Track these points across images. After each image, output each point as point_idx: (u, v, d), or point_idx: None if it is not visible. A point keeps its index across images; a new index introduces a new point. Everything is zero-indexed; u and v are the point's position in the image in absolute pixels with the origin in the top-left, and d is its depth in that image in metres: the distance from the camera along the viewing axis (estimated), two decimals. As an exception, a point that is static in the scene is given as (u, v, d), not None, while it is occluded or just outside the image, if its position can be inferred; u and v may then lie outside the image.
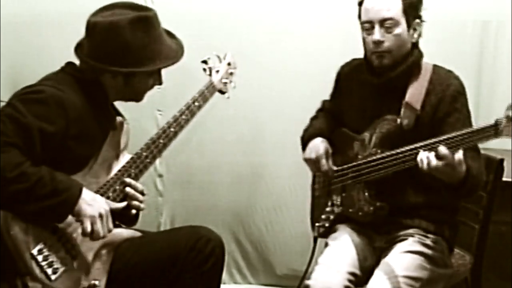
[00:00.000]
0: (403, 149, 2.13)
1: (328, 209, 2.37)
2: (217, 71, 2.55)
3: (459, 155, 1.96)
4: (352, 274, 2.15)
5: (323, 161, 2.32)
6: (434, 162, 1.97)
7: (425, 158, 1.99)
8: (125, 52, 2.03)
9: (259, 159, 3.29)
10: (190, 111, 2.30)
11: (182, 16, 3.12)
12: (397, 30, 2.18)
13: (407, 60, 2.22)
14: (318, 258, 2.25)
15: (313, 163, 2.35)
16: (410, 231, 2.23)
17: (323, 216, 2.38)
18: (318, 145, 2.36)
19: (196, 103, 2.33)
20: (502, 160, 2.41)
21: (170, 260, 2.10)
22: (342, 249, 2.23)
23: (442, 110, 2.20)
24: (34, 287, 1.83)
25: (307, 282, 2.13)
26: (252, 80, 3.17)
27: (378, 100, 2.28)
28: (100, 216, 1.93)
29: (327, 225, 2.36)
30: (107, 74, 2.09)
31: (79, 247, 1.97)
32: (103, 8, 2.10)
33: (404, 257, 2.15)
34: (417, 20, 2.23)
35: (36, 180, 1.82)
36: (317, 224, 2.39)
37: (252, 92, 3.20)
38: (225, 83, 2.58)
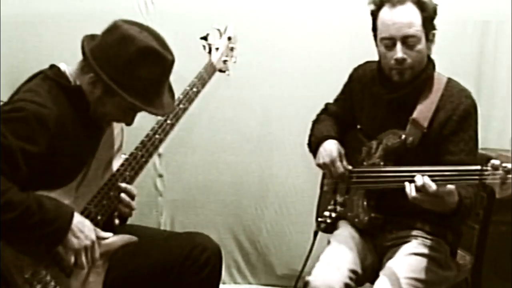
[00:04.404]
0: (401, 169, 2.08)
1: (330, 207, 2.37)
2: (217, 49, 2.40)
3: (449, 186, 1.94)
4: (353, 271, 2.14)
5: (338, 163, 2.27)
6: (414, 193, 1.94)
7: (409, 189, 1.95)
8: (122, 67, 1.86)
9: (260, 159, 3.29)
10: (188, 98, 2.19)
11: (182, 16, 3.13)
12: (419, 46, 2.13)
13: (421, 75, 2.18)
14: (319, 255, 2.24)
15: (327, 167, 2.29)
16: (413, 232, 2.23)
17: (325, 213, 2.37)
18: (331, 148, 2.30)
19: (195, 89, 2.22)
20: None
21: (166, 269, 2.07)
22: (343, 247, 2.22)
23: (449, 128, 2.16)
24: None
25: (308, 278, 2.12)
26: (256, 80, 3.17)
27: (388, 112, 2.25)
28: (85, 248, 1.86)
29: (328, 221, 2.36)
30: (87, 78, 1.91)
31: None
32: (136, 23, 1.94)
33: (409, 259, 2.14)
34: (434, 31, 2.18)
35: (23, 209, 1.73)
36: (319, 219, 2.39)
37: (255, 92, 3.21)
38: (225, 61, 2.42)
